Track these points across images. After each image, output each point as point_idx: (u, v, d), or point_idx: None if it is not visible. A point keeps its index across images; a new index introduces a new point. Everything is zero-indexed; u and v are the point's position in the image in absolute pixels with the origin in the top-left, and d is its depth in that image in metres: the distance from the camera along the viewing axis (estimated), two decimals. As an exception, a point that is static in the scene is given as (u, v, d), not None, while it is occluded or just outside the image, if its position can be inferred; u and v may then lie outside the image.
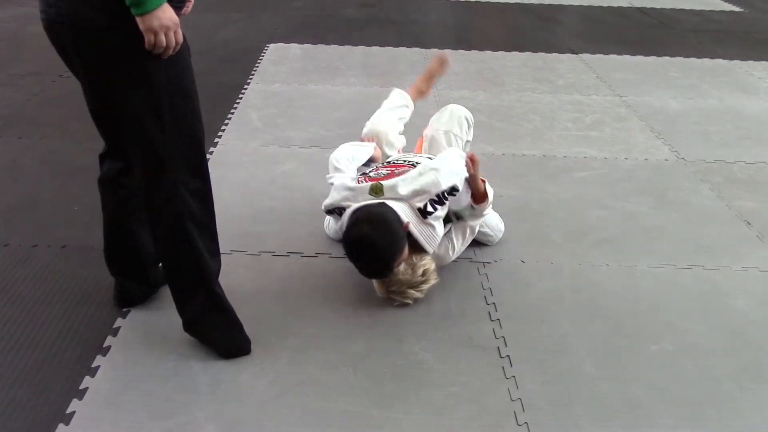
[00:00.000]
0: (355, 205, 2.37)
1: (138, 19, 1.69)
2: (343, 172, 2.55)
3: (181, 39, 1.80)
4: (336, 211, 2.46)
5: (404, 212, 2.35)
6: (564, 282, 2.65)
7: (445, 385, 2.11)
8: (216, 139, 3.76)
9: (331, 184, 2.51)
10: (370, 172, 2.57)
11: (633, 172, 3.63)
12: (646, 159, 3.79)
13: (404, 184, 2.39)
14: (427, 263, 2.43)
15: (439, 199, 2.38)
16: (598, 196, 3.34)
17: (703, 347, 2.33)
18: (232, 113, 4.16)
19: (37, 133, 3.79)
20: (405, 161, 2.61)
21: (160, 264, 2.26)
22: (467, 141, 3.00)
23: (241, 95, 4.46)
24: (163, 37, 1.73)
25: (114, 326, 2.27)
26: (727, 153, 3.90)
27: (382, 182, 2.41)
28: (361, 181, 2.45)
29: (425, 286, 2.42)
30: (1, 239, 2.74)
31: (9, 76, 4.68)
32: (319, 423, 1.94)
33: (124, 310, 2.34)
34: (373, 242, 2.25)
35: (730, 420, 2.03)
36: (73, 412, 1.92)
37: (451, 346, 2.28)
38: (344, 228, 2.37)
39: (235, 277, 2.52)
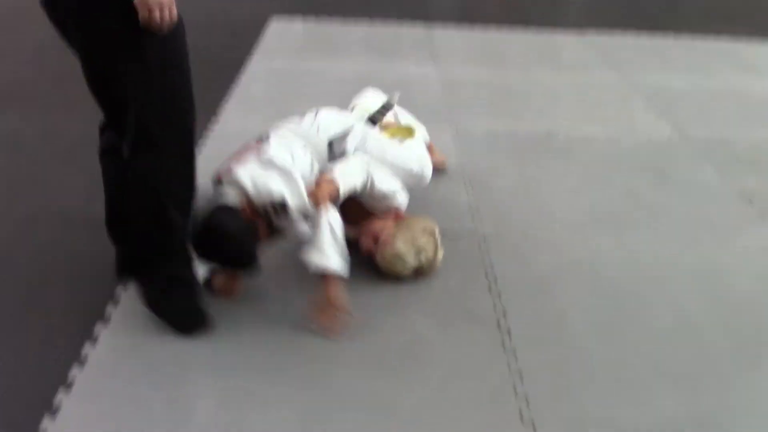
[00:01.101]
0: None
1: None
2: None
3: (175, 16, 1.78)
4: None
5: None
6: (564, 257, 2.65)
7: (444, 357, 2.12)
8: (218, 114, 3.75)
9: None
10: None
11: (636, 150, 3.62)
12: (649, 138, 3.78)
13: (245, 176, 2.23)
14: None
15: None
16: (600, 174, 3.33)
17: (702, 324, 2.33)
18: (234, 88, 4.14)
19: (39, 107, 3.78)
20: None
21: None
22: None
23: (242, 71, 4.44)
24: (157, 14, 1.72)
25: (115, 296, 2.28)
26: (730, 132, 3.89)
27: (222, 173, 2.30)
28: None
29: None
30: (3, 211, 2.74)
31: (10, 49, 4.67)
32: (319, 394, 1.95)
33: (126, 279, 2.35)
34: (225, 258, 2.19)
35: (726, 395, 2.04)
36: (74, 380, 1.93)
37: (450, 319, 2.28)
38: None
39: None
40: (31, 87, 4.05)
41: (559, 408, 1.95)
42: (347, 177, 2.33)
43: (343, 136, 2.58)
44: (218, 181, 2.27)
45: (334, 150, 2.54)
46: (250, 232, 2.16)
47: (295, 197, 2.18)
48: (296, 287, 2.38)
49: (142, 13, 1.71)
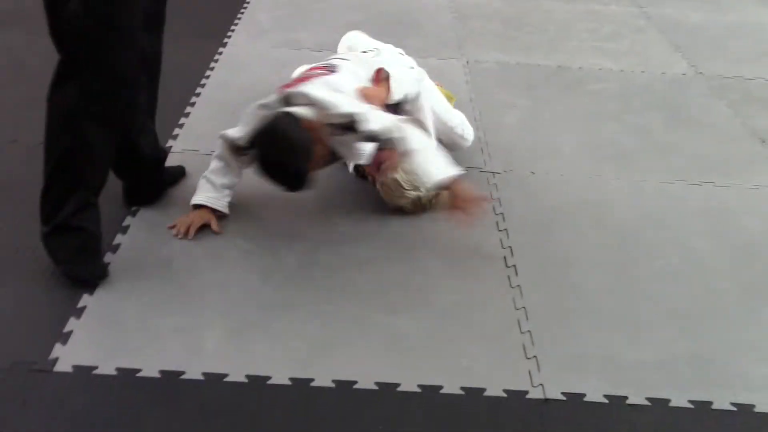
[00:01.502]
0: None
1: None
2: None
3: None
4: None
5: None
6: (573, 195, 2.64)
7: (450, 292, 2.13)
8: (225, 40, 3.69)
9: None
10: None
11: (649, 85, 3.56)
12: (663, 72, 3.71)
13: (317, 91, 2.22)
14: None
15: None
16: (612, 110, 3.29)
17: (709, 263, 2.34)
18: (242, 14, 4.06)
19: (43, 29, 3.71)
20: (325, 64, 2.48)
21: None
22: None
23: (250, -5, 4.34)
24: None
25: (123, 224, 2.29)
26: (746, 69, 3.82)
27: (288, 90, 2.26)
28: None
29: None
30: (9, 136, 2.72)
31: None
32: (326, 325, 1.97)
33: (133, 209, 2.35)
34: (278, 160, 2.13)
35: (730, 334, 2.06)
36: (84, 307, 1.95)
37: (457, 254, 2.29)
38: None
39: (244, 182, 2.51)
40: (36, 8, 3.97)
41: (562, 345, 1.97)
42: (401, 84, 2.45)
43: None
44: (283, 100, 2.23)
45: None
46: (309, 142, 2.12)
47: (362, 118, 2.16)
48: (303, 219, 2.38)
49: None
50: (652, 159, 2.91)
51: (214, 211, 2.29)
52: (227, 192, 2.32)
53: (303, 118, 2.15)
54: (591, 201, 2.61)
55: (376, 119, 2.17)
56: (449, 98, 2.83)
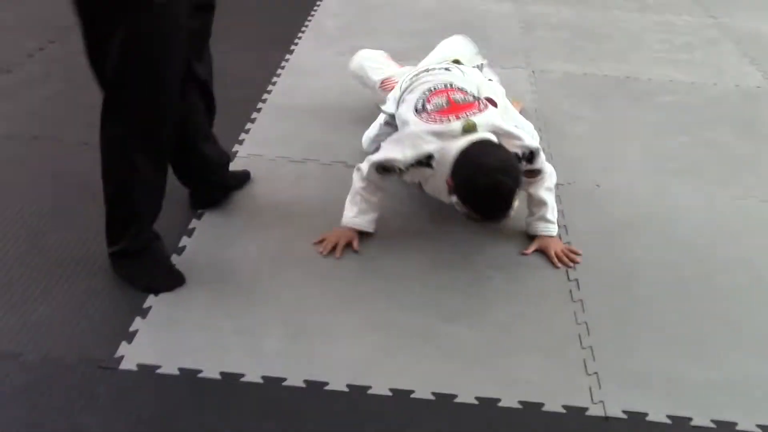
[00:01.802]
0: (454, 147, 2.14)
1: None
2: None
3: None
4: (423, 162, 2.20)
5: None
6: (639, 208, 2.58)
7: (510, 303, 2.11)
8: (292, 47, 3.74)
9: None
10: (418, 105, 2.34)
11: (722, 98, 3.47)
12: (737, 85, 3.61)
13: (502, 121, 2.27)
14: None
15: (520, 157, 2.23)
16: (682, 122, 3.21)
17: (781, 283, 2.26)
18: (309, 21, 4.12)
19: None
20: (447, 85, 2.40)
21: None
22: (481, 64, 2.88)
23: (318, 3, 4.40)
24: None
25: (189, 227, 2.34)
26: (826, 83, 3.68)
27: (472, 119, 2.20)
28: (438, 120, 2.24)
29: None
30: (82, 138, 2.80)
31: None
32: (385, 332, 1.98)
33: (199, 212, 2.40)
34: (511, 189, 2.06)
35: (803, 358, 1.98)
36: (149, 307, 2.00)
37: (518, 265, 2.27)
38: (459, 173, 2.12)
39: (306, 186, 2.55)
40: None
41: (624, 361, 1.93)
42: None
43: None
44: (466, 128, 2.19)
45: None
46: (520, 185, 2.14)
47: (539, 152, 2.27)
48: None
49: None
50: (723, 174, 2.83)
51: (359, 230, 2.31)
52: (374, 214, 2.32)
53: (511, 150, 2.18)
54: (658, 215, 2.55)
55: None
56: (515, 103, 2.83)
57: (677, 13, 4.57)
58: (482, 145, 2.14)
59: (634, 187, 2.71)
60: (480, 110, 2.26)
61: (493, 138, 2.18)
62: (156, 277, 2.09)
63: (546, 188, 2.33)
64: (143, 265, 2.09)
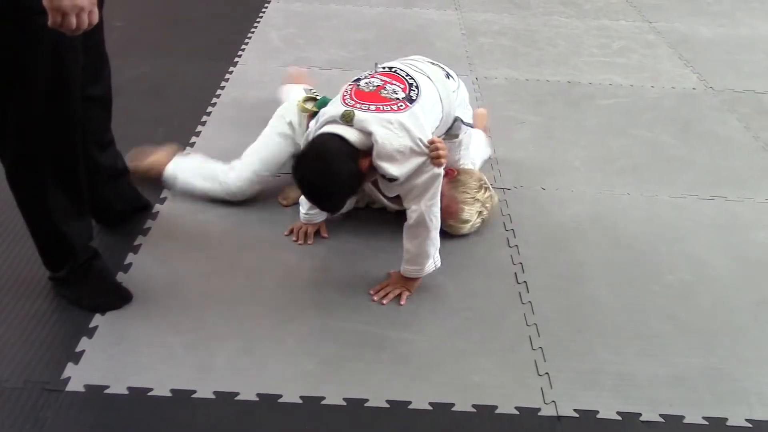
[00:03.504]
0: (318, 130, 2.05)
1: None
2: None
3: (96, 19, 1.50)
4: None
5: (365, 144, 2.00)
6: (584, 210, 2.63)
7: (461, 308, 2.13)
8: (236, 59, 3.71)
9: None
10: (361, 80, 2.19)
11: (659, 100, 3.56)
12: (673, 87, 3.71)
13: (379, 129, 1.98)
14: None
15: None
16: (622, 125, 3.28)
17: (722, 278, 2.32)
18: (252, 32, 4.10)
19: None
20: (404, 74, 2.21)
21: None
22: None
23: (261, 14, 4.38)
24: (73, 20, 1.45)
25: (135, 243, 2.30)
26: (757, 83, 3.80)
27: (354, 110, 2.02)
28: (345, 96, 2.10)
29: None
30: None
31: None
32: (337, 343, 1.97)
33: (144, 227, 2.37)
34: (318, 187, 1.98)
35: (745, 350, 2.04)
36: (96, 327, 1.96)
37: (468, 270, 2.28)
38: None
39: (257, 198, 2.53)
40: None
41: (574, 361, 1.96)
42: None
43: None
44: (345, 117, 2.01)
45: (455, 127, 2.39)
46: (355, 172, 1.97)
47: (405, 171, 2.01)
48: (315, 237, 2.38)
49: (53, 18, 1.44)
50: (663, 173, 2.90)
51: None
52: None
53: (356, 149, 1.98)
54: (602, 216, 2.60)
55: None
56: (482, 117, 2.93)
57: (614, 19, 4.68)
58: (323, 137, 2.00)
59: (578, 189, 2.76)
60: (393, 110, 2.03)
61: (354, 136, 1.98)
62: (102, 297, 2.04)
63: (411, 228, 2.13)
64: (87, 287, 2.04)
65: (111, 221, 2.35)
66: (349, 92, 2.12)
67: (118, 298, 2.06)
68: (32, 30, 1.57)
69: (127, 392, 1.77)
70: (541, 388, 1.87)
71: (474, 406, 1.80)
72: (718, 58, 4.13)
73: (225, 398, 1.78)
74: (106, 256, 2.14)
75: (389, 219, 2.47)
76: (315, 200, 2.07)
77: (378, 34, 4.08)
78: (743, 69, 3.99)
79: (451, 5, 4.72)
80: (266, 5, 4.53)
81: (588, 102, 3.49)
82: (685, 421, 1.80)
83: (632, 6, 4.95)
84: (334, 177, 1.95)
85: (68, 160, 1.88)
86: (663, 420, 1.80)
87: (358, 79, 2.20)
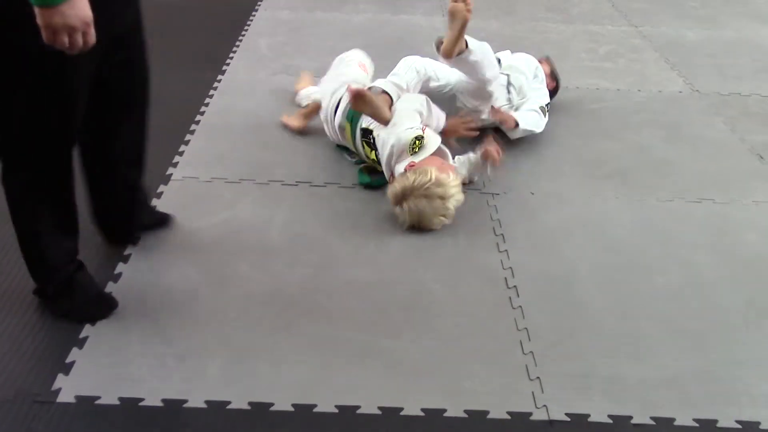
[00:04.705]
0: None
1: (37, 11, 1.41)
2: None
3: (92, 40, 1.50)
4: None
5: None
6: (573, 214, 2.64)
7: (452, 314, 2.13)
8: (224, 68, 3.72)
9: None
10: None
11: (646, 104, 3.58)
12: (660, 91, 3.73)
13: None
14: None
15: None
16: (610, 129, 3.30)
17: (711, 280, 2.34)
18: (240, 41, 4.10)
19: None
20: None
21: None
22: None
23: (249, 22, 4.39)
24: (65, 39, 1.45)
25: (125, 253, 2.29)
26: (743, 86, 3.84)
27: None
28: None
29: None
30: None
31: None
32: (328, 350, 1.97)
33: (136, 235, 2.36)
34: None
35: (734, 351, 2.05)
36: (86, 337, 1.96)
37: (458, 276, 2.29)
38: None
39: (242, 206, 2.54)
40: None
41: (565, 365, 1.97)
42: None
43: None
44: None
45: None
46: None
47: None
48: (302, 244, 2.39)
49: (46, 36, 1.44)
50: (651, 177, 2.92)
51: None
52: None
53: None
54: (591, 220, 2.61)
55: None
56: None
57: (601, 24, 4.71)
58: None
59: (567, 193, 2.77)
60: None
61: None
62: (87, 308, 2.03)
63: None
64: (72, 301, 2.03)
65: (133, 238, 2.35)
66: None
67: (103, 307, 2.05)
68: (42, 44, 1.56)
69: (118, 403, 1.77)
70: (533, 393, 1.87)
71: (466, 411, 1.81)
72: (703, 61, 4.16)
73: (217, 407, 1.77)
74: (95, 266, 2.15)
75: (378, 229, 2.47)
76: None
77: (366, 40, 4.08)
78: (728, 72, 4.02)
79: (438, 12, 4.73)
80: (254, 13, 4.54)
81: (576, 106, 3.51)
82: (676, 423, 1.81)
83: (618, 11, 4.98)
84: None
85: (59, 174, 1.89)
86: (654, 422, 1.81)
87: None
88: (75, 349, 1.91)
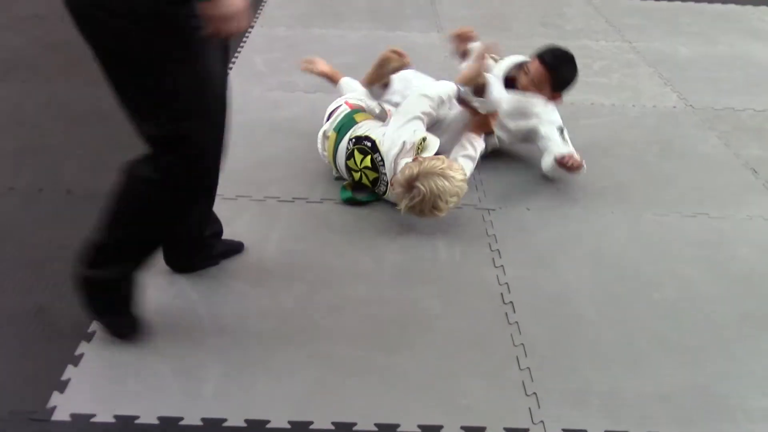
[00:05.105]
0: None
1: (200, 6, 1.53)
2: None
3: (246, 24, 1.63)
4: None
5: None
6: (568, 229, 2.65)
7: (449, 330, 2.13)
8: (220, 84, 3.72)
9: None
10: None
11: (640, 119, 3.60)
12: (654, 106, 3.75)
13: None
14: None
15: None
16: (604, 144, 3.32)
17: (706, 295, 2.34)
18: (236, 57, 4.12)
19: (40, 77, 3.77)
20: None
21: None
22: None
23: (245, 39, 4.40)
24: (230, 25, 1.57)
25: (120, 270, 2.29)
26: (736, 100, 3.86)
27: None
28: None
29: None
30: (6, 183, 2.74)
31: (10, 18, 4.63)
32: (325, 366, 1.97)
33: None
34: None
35: (730, 366, 2.05)
36: (81, 355, 1.95)
37: (455, 292, 2.29)
38: None
39: (240, 223, 2.54)
40: (32, 57, 4.02)
41: (562, 380, 1.97)
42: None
43: None
44: None
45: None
46: None
47: None
48: (298, 261, 2.39)
49: (214, 27, 1.57)
50: (646, 192, 2.93)
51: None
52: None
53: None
54: (587, 235, 2.62)
55: None
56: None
57: (595, 39, 4.74)
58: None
59: (562, 209, 2.78)
60: None
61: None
62: (121, 319, 1.99)
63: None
64: (113, 299, 1.96)
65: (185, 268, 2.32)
66: None
67: (135, 327, 2.02)
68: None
69: (114, 420, 1.76)
70: (530, 408, 1.87)
71: (463, 427, 1.80)
72: (697, 76, 4.19)
73: (213, 425, 1.77)
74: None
75: (374, 245, 2.48)
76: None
77: (361, 57, 4.09)
78: (722, 87, 4.04)
79: (434, 28, 4.76)
80: (250, 30, 4.56)
81: (571, 122, 3.50)
82: (673, 438, 1.81)
83: (612, 26, 5.02)
84: None
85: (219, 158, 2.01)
86: (651, 438, 1.81)
87: None
88: (70, 367, 1.91)
